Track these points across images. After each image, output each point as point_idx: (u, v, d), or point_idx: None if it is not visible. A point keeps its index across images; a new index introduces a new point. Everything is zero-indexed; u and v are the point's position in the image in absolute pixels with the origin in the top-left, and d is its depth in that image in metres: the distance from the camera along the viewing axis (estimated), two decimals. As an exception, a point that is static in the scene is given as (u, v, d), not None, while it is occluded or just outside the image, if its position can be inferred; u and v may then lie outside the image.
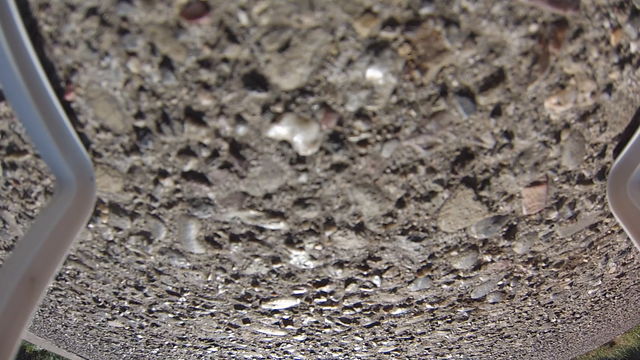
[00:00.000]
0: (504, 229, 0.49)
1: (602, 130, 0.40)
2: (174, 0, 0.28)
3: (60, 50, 0.31)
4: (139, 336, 0.99)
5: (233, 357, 1.07)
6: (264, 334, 0.83)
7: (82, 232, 0.52)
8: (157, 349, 1.10)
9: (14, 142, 0.40)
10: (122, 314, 0.82)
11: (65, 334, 1.16)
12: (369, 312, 0.70)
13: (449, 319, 0.77)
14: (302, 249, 0.49)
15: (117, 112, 0.35)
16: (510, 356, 1.24)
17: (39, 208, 0.48)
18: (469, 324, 0.82)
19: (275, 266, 0.54)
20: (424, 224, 0.46)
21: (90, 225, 0.50)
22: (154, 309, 0.76)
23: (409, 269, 0.55)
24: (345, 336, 0.83)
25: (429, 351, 1.00)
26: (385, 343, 0.89)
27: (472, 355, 1.12)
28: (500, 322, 0.85)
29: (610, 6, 0.31)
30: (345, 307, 0.68)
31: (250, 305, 0.67)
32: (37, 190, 0.46)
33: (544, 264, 0.61)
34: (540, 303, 0.79)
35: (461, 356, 1.10)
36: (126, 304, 0.75)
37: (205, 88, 0.32)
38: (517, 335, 0.99)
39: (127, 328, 0.92)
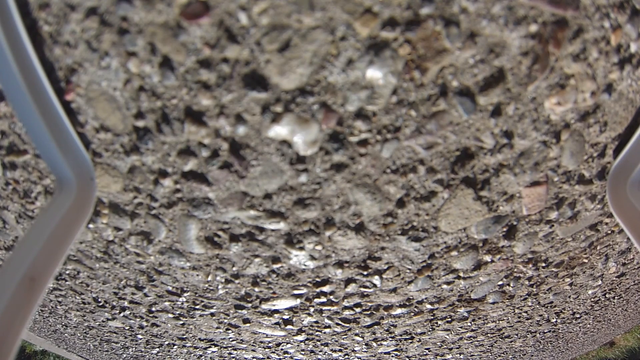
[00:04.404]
0: (504, 229, 0.49)
1: (602, 130, 0.40)
2: (174, 0, 0.28)
3: (60, 50, 0.31)
4: (139, 336, 0.99)
5: (233, 357, 1.07)
6: (264, 334, 0.83)
7: (82, 232, 0.52)
8: (157, 349, 1.10)
9: (14, 142, 0.40)
10: (122, 314, 0.82)
11: (65, 334, 1.16)
12: (369, 312, 0.70)
13: (449, 319, 0.77)
14: (302, 249, 0.49)
15: (117, 112, 0.35)
16: (510, 356, 1.24)
17: (39, 208, 0.48)
18: (469, 324, 0.82)
19: (275, 266, 0.54)
20: (424, 224, 0.46)
21: (90, 225, 0.50)
22: (154, 309, 0.76)
23: (409, 269, 0.55)
24: (345, 336, 0.83)
25: (429, 351, 1.00)
26: (385, 343, 0.89)
27: (472, 355, 1.12)
28: (500, 322, 0.85)
29: (610, 6, 0.31)
30: (345, 307, 0.68)
31: (250, 305, 0.67)
32: (37, 190, 0.46)
33: (544, 264, 0.61)
34: (540, 303, 0.79)
35: (461, 356, 1.10)
36: (126, 304, 0.75)
37: (205, 88, 0.32)
38: (517, 335, 0.99)
39: (127, 328, 0.92)
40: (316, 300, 0.64)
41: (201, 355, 1.10)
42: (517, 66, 0.32)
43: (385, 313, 0.70)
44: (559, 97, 0.35)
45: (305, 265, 0.53)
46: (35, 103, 0.32)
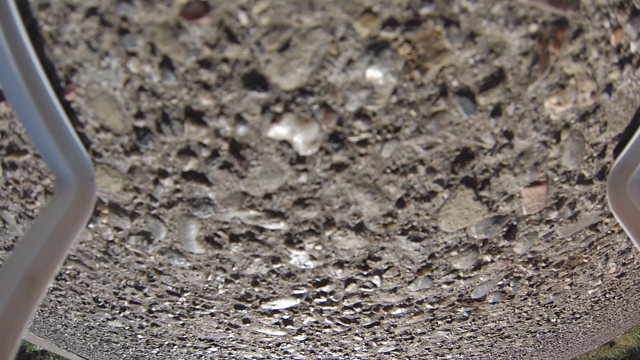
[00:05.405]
0: (504, 229, 0.49)
1: (602, 130, 0.40)
2: (174, 0, 0.28)
3: (60, 50, 0.31)
4: (139, 336, 0.99)
5: (233, 357, 1.07)
6: (264, 334, 0.83)
7: (82, 232, 0.52)
8: (157, 349, 1.10)
9: (14, 142, 0.40)
10: (122, 314, 0.82)
11: (65, 334, 1.16)
12: (369, 312, 0.70)
13: (449, 319, 0.77)
14: (302, 249, 0.49)
15: (117, 112, 0.35)
16: (510, 356, 1.24)
17: (39, 208, 0.48)
18: (469, 324, 0.82)
19: (275, 266, 0.54)
20: (424, 224, 0.46)
21: (90, 225, 0.50)
22: (154, 309, 0.76)
23: (409, 269, 0.55)
24: (345, 336, 0.83)
25: (429, 351, 1.00)
26: (385, 343, 0.89)
27: (472, 355, 1.12)
28: (500, 322, 0.85)
29: (610, 6, 0.31)
30: (345, 307, 0.68)
31: (250, 305, 0.67)
32: (37, 190, 0.46)
33: (544, 264, 0.61)
34: (540, 303, 0.79)
35: (461, 356, 1.10)
36: (126, 304, 0.75)
37: (205, 88, 0.32)
38: (517, 335, 0.99)
39: (127, 328, 0.92)
40: (316, 300, 0.64)
41: (201, 355, 1.10)
42: (517, 66, 0.32)
43: (385, 313, 0.70)
44: (559, 97, 0.35)
45: (305, 265, 0.53)
46: (35, 103, 0.32)
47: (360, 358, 1.01)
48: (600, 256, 0.65)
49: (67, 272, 0.66)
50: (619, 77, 0.36)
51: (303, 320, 0.74)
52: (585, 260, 0.64)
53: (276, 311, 0.70)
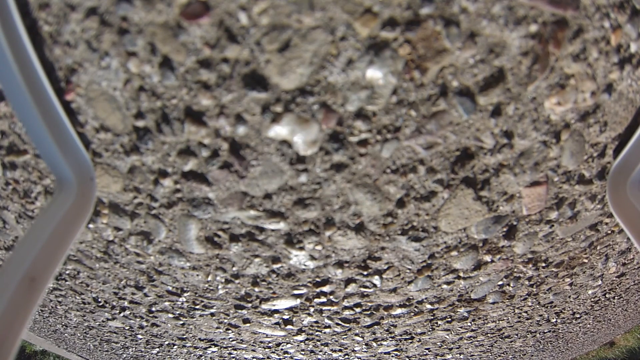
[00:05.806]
0: (504, 229, 0.49)
1: (602, 130, 0.40)
2: (174, 0, 0.28)
3: (60, 50, 0.31)
4: (139, 336, 0.99)
5: (233, 357, 1.07)
6: (264, 334, 0.83)
7: (82, 232, 0.52)
8: (157, 349, 1.10)
9: (14, 142, 0.40)
10: (122, 314, 0.82)
11: (65, 334, 1.16)
12: (369, 312, 0.70)
13: (449, 319, 0.77)
14: (302, 249, 0.49)
15: (117, 112, 0.35)
16: (510, 356, 1.24)
17: (39, 208, 0.48)
18: (469, 324, 0.82)
19: (275, 266, 0.54)
20: (424, 224, 0.46)
21: (90, 225, 0.50)
22: (154, 309, 0.76)
23: (409, 269, 0.55)
24: (345, 336, 0.83)
25: (429, 351, 1.00)
26: (385, 343, 0.89)
27: (472, 355, 1.12)
28: (500, 322, 0.85)
29: (610, 6, 0.31)
30: (345, 307, 0.68)
31: (250, 305, 0.67)
32: (37, 190, 0.46)
33: (544, 264, 0.61)
34: (540, 303, 0.79)
35: (461, 356, 1.10)
36: (126, 304, 0.75)
37: (205, 88, 0.32)
38: (517, 335, 0.99)
39: (127, 328, 0.92)
40: (316, 300, 0.64)
41: (201, 355, 1.10)
42: (517, 66, 0.32)
43: (385, 313, 0.70)
44: (559, 97, 0.35)
45: (305, 265, 0.53)
46: (35, 103, 0.32)
47: (360, 358, 1.01)
48: (600, 256, 0.65)
49: (67, 272, 0.66)
50: (619, 77, 0.36)
51: (303, 320, 0.74)
52: (585, 260, 0.64)
53: (276, 311, 0.70)
